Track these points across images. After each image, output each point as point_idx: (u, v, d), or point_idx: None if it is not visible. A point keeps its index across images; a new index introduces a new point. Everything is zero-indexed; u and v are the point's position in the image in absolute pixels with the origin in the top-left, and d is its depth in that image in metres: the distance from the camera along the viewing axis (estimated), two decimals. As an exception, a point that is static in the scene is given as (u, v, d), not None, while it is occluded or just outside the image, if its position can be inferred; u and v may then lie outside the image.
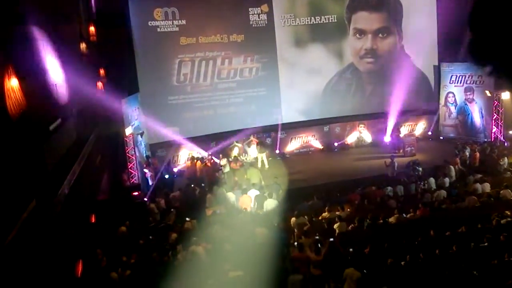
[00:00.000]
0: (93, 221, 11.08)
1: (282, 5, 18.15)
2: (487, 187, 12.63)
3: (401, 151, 17.29)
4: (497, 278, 7.33)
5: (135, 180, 13.99)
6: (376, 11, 18.73)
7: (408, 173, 14.30)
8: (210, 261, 8.66)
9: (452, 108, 19.07)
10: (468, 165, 15.03)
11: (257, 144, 17.32)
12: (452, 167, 14.28)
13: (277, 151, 18.04)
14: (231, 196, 12.80)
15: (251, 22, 17.73)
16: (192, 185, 13.85)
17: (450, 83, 18.86)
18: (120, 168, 14.09)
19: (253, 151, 17.33)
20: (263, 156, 16.91)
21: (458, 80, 18.61)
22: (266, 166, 16.76)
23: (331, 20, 18.60)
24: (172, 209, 11.94)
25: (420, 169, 14.38)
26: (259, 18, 17.82)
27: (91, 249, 8.93)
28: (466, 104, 18.55)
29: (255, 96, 18.23)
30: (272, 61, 18.25)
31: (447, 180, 13.41)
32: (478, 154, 15.43)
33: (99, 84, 12.78)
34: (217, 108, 17.79)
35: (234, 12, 17.54)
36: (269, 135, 18.27)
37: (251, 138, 17.68)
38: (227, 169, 15.43)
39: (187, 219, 10.58)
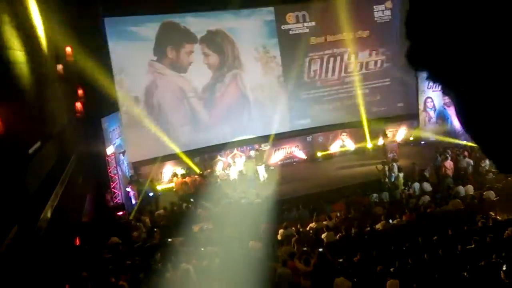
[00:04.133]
0: (77, 244, 10.85)
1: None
2: (470, 189, 12.76)
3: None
4: (486, 279, 7.39)
5: (118, 199, 13.77)
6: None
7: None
8: (199, 279, 8.54)
9: (432, 113, 19.33)
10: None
11: (253, 156, 17.29)
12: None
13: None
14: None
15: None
16: (181, 202, 13.69)
17: (428, 88, 19.06)
18: (103, 188, 13.87)
19: (238, 165, 17.23)
20: (259, 169, 16.76)
21: (435, 85, 18.80)
22: (265, 178, 16.67)
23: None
24: (155, 229, 11.72)
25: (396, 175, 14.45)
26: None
27: (77, 273, 8.72)
28: (445, 108, 18.80)
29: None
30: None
31: (427, 185, 13.44)
32: (466, 153, 15.24)
33: (78, 104, 12.62)
34: (196, 124, 17.75)
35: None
36: (253, 148, 18.20)
37: (235, 151, 17.62)
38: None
39: (169, 239, 10.42)
